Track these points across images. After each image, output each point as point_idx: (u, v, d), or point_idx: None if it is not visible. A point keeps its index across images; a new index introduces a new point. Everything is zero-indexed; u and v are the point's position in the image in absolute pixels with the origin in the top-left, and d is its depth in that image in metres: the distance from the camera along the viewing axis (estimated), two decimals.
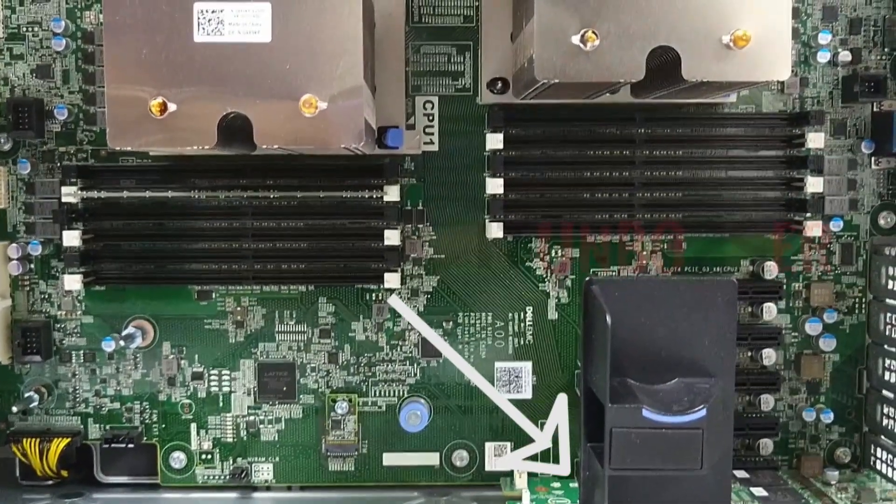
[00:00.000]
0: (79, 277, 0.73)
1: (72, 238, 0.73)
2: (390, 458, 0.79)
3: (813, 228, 0.74)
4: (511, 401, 0.78)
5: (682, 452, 0.54)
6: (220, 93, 0.58)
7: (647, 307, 0.58)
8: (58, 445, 0.76)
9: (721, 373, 0.58)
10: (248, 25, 0.57)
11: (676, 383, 0.57)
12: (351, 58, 0.58)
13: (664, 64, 0.61)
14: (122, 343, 0.75)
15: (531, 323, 0.78)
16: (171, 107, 0.57)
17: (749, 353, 0.77)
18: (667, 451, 0.54)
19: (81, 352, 0.77)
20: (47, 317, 0.77)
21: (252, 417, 0.78)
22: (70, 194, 0.73)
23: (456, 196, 0.77)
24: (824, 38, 0.76)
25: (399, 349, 0.78)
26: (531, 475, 0.77)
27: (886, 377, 0.75)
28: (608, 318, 0.54)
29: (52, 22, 0.75)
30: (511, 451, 0.78)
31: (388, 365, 0.78)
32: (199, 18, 0.57)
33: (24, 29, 0.75)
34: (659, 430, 0.54)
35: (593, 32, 0.57)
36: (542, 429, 0.78)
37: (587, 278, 0.59)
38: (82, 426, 0.78)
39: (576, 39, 0.58)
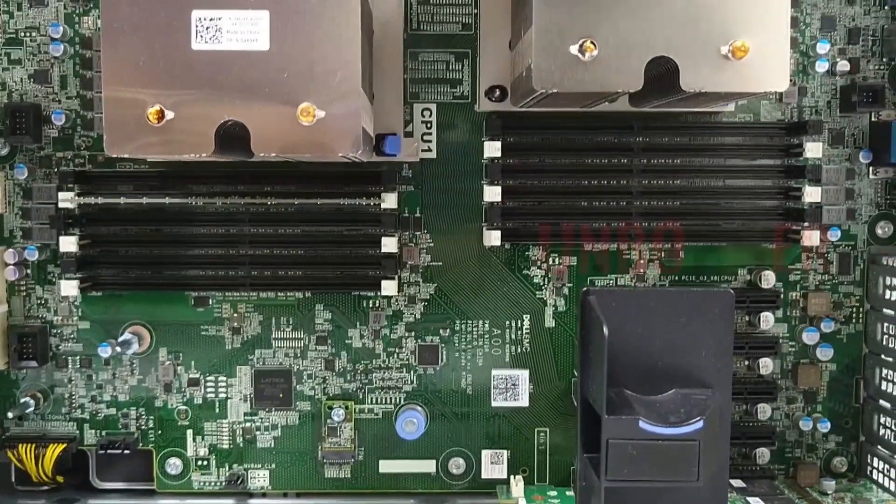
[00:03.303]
0: (75, 283, 0.73)
1: (69, 243, 0.73)
2: (386, 466, 0.79)
3: (810, 238, 0.74)
4: (508, 409, 0.78)
5: (678, 464, 0.54)
6: (218, 101, 0.57)
7: (643, 317, 0.58)
8: (54, 451, 0.76)
9: (718, 383, 0.58)
10: (246, 33, 0.57)
11: (673, 394, 0.57)
12: (349, 66, 0.58)
13: (662, 74, 0.61)
14: (118, 349, 0.75)
15: (528, 331, 0.78)
16: (169, 114, 0.57)
17: (746, 362, 0.77)
18: (663, 462, 0.54)
19: (78, 357, 0.77)
20: (44, 322, 0.77)
21: (248, 424, 0.78)
22: (67, 200, 0.73)
23: (453, 203, 0.77)
24: (823, 47, 0.76)
25: (396, 356, 0.78)
26: (527, 483, 0.77)
27: (883, 387, 0.75)
28: (605, 329, 0.54)
29: (50, 27, 0.74)
30: (508, 458, 0.78)
31: (384, 372, 0.78)
32: (197, 26, 0.57)
33: (22, 34, 0.75)
34: (655, 441, 0.54)
35: (592, 42, 0.57)
36: (537, 436, 0.78)
37: (584, 288, 0.59)
38: (78, 432, 0.78)
39: (574, 49, 0.58)
